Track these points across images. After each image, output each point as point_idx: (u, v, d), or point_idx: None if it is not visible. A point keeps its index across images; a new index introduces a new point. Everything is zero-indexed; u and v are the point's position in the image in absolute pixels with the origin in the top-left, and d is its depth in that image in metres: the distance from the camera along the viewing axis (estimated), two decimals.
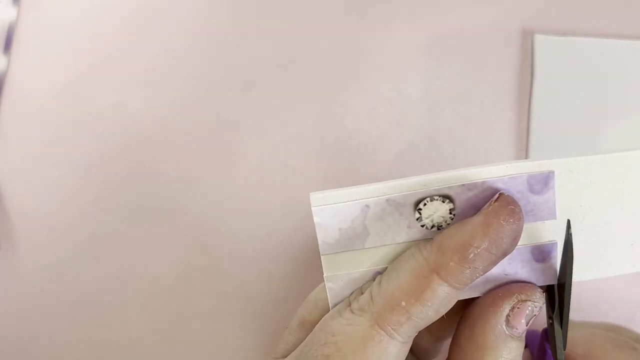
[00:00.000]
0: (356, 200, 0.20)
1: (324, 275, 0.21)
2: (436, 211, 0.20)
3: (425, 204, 0.20)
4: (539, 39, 0.35)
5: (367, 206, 0.20)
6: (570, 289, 0.20)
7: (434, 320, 0.19)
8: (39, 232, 0.37)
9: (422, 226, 0.20)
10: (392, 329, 0.19)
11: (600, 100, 0.34)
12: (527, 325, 0.20)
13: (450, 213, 0.20)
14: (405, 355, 0.20)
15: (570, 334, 0.27)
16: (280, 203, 0.35)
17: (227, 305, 0.35)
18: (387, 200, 0.20)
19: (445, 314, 0.20)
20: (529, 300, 0.20)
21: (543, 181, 0.20)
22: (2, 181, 0.37)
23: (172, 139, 0.37)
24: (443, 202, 0.20)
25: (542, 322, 0.23)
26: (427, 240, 0.20)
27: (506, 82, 0.35)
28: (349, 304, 0.20)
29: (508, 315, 0.20)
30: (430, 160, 0.35)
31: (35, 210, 0.37)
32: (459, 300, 0.23)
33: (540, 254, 0.21)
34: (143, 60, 0.38)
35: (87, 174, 0.37)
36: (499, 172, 0.20)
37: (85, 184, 0.37)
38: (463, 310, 0.21)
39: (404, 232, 0.20)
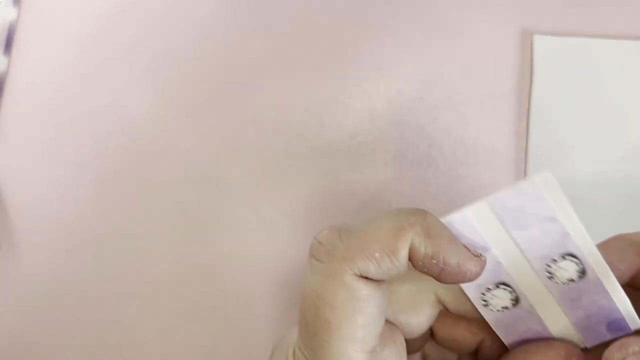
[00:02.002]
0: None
1: None
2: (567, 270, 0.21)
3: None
4: (538, 39, 0.35)
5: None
6: None
7: (388, 280, 0.20)
8: (39, 232, 0.37)
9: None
10: (360, 272, 0.20)
11: (599, 100, 0.34)
12: None
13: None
14: (385, 292, 0.21)
15: None
16: (280, 203, 0.35)
17: (227, 305, 0.35)
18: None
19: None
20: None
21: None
22: (2, 181, 0.37)
23: (172, 138, 0.37)
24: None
25: None
26: None
27: (506, 82, 0.35)
28: (318, 257, 0.21)
29: None
30: (430, 160, 0.35)
31: (35, 210, 0.37)
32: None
33: (618, 328, 0.22)
34: (143, 60, 0.38)
35: (87, 174, 0.37)
36: None
37: (85, 184, 0.37)
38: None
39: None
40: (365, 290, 0.20)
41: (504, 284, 0.21)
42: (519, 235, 0.21)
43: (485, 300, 0.22)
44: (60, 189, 0.37)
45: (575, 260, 0.21)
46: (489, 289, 0.22)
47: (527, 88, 0.35)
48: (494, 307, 0.22)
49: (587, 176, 0.33)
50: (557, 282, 0.21)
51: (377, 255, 0.19)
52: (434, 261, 0.19)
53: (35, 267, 0.36)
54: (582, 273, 0.21)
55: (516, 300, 0.22)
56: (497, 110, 0.35)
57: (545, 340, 0.22)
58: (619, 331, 0.22)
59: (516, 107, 0.35)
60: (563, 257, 0.21)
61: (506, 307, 0.22)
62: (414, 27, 0.36)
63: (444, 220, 0.21)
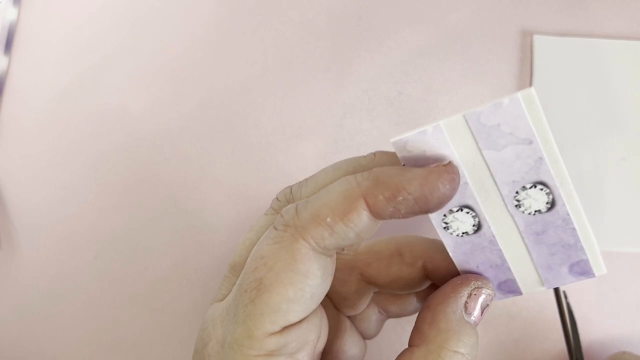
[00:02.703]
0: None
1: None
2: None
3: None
4: (538, 39, 0.35)
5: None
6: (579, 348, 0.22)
7: (353, 243, 0.20)
8: (39, 232, 0.37)
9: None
10: (315, 242, 0.19)
11: (599, 100, 0.34)
12: (481, 315, 0.21)
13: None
14: (333, 268, 0.21)
15: None
16: None
17: None
18: None
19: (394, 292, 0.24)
20: (484, 287, 0.21)
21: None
22: (2, 181, 0.37)
23: (172, 139, 0.37)
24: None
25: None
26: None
27: (506, 82, 0.35)
28: (274, 226, 0.21)
29: (466, 302, 0.21)
30: None
31: (35, 210, 0.37)
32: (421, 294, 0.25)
33: (581, 271, 0.21)
34: (143, 60, 0.38)
35: (87, 174, 0.37)
36: None
37: (85, 184, 0.37)
38: (424, 302, 0.22)
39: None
40: (308, 265, 0.19)
41: (468, 207, 0.21)
42: (490, 155, 0.20)
43: (446, 223, 0.21)
44: (60, 189, 0.37)
45: (546, 189, 0.20)
46: (451, 210, 0.21)
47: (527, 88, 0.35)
48: (454, 231, 0.21)
49: (587, 176, 0.33)
50: (523, 212, 0.20)
51: (329, 220, 0.19)
52: (401, 198, 0.19)
53: (35, 267, 0.36)
54: (551, 205, 0.20)
55: (478, 227, 0.21)
56: None
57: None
58: (582, 275, 0.21)
59: None
60: (534, 185, 0.20)
61: (466, 233, 0.21)
62: (414, 27, 0.36)
63: (418, 130, 0.20)
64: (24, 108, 0.38)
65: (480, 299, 0.21)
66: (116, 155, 0.37)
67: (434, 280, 0.24)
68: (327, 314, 0.22)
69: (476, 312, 0.21)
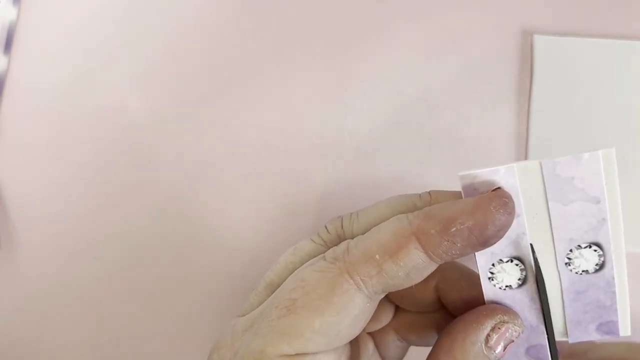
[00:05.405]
0: None
1: None
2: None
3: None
4: (538, 39, 0.35)
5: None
6: (550, 321, 0.21)
7: (403, 286, 0.20)
8: (39, 232, 0.37)
9: None
10: (361, 279, 0.19)
11: (599, 100, 0.34)
12: (504, 350, 0.20)
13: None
14: (371, 313, 0.20)
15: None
16: (280, 203, 0.35)
17: (227, 305, 0.35)
18: None
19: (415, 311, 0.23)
20: (510, 323, 0.20)
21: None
22: (2, 181, 0.37)
23: (172, 138, 0.37)
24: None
25: None
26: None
27: (506, 82, 0.35)
28: (324, 257, 0.20)
29: (488, 335, 0.20)
30: (430, 161, 0.35)
31: (35, 210, 0.37)
32: (440, 317, 0.24)
33: (607, 330, 0.21)
34: (143, 60, 0.38)
35: (87, 174, 0.37)
36: None
37: (85, 184, 0.37)
38: (446, 326, 0.22)
39: None
40: (344, 301, 0.19)
41: (518, 259, 0.20)
42: (556, 208, 0.20)
43: (492, 273, 0.21)
44: (60, 189, 0.37)
45: (600, 251, 0.20)
46: (501, 260, 0.20)
47: (527, 88, 0.35)
48: (498, 282, 0.21)
49: None
50: (571, 270, 0.20)
51: (377, 257, 0.19)
52: (454, 229, 0.18)
53: (35, 267, 0.36)
54: (600, 267, 0.20)
55: (523, 282, 0.21)
56: (497, 110, 0.35)
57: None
58: (607, 334, 0.21)
59: (516, 107, 0.35)
60: (589, 245, 0.20)
61: (510, 286, 0.21)
62: (414, 27, 0.36)
63: (490, 169, 0.19)
64: (24, 108, 0.38)
65: (505, 335, 0.20)
66: (116, 155, 0.37)
67: (448, 304, 0.23)
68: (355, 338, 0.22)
69: (499, 348, 0.20)
